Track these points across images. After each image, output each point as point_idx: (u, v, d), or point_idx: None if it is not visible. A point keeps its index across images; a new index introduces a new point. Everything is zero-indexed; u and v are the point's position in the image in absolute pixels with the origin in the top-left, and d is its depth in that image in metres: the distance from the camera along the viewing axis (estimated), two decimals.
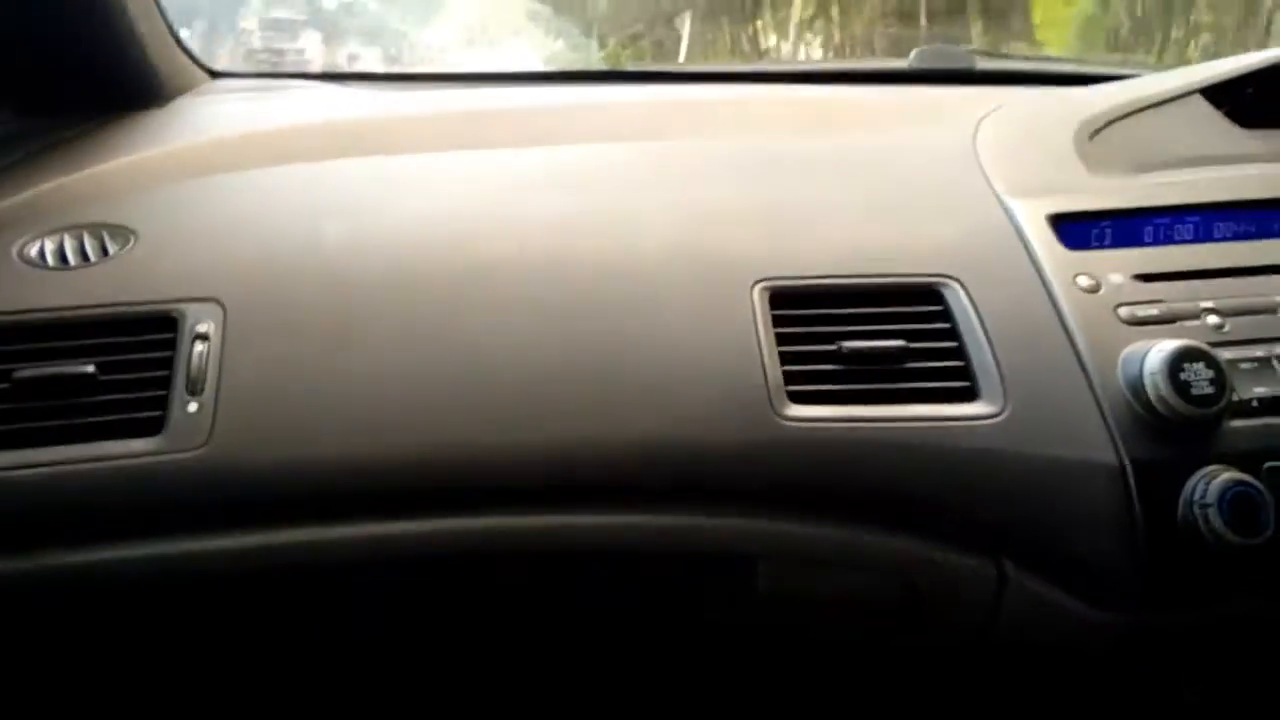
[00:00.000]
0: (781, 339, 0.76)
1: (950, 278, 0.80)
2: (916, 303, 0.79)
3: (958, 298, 0.79)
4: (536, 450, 0.72)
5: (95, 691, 0.79)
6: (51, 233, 0.80)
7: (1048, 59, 1.56)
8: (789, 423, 0.73)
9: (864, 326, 0.77)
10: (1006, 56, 1.44)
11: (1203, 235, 0.84)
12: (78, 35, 0.95)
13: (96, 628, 0.74)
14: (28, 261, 0.78)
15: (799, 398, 0.74)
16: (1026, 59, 1.63)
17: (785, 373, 0.75)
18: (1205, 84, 0.98)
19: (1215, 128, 0.96)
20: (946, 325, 0.78)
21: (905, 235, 0.83)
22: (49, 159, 0.89)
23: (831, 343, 0.76)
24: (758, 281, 0.78)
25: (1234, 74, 0.98)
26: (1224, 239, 0.85)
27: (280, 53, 1.70)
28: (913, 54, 1.25)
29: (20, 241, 0.79)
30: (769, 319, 0.77)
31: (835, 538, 0.74)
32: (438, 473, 0.71)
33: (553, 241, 0.81)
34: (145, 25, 0.99)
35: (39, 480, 0.68)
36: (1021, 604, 0.76)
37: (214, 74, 1.14)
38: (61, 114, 0.98)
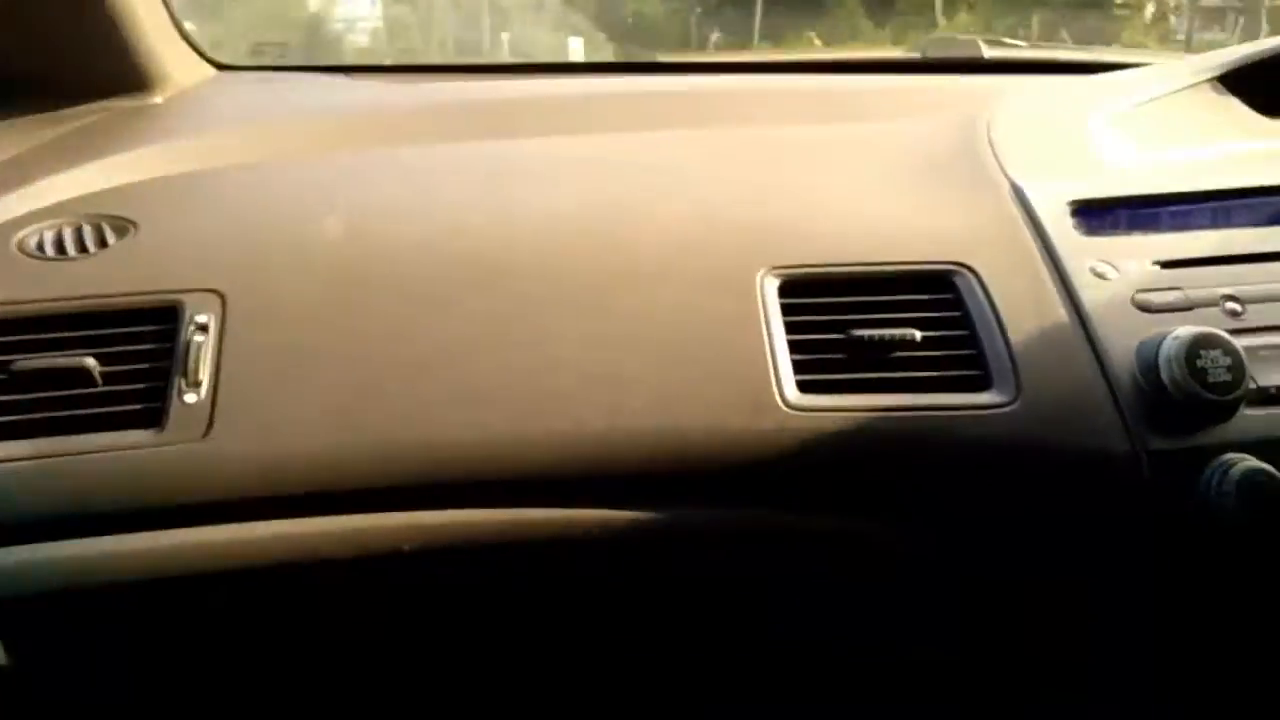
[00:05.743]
0: (791, 327, 0.75)
1: (963, 265, 0.78)
2: (928, 290, 0.77)
3: (970, 285, 0.77)
4: (538, 443, 0.71)
5: (86, 685, 0.78)
6: (51, 223, 0.80)
7: (1057, 47, 1.55)
8: (797, 412, 0.71)
9: (874, 315, 0.75)
10: (1015, 45, 1.42)
11: (1221, 221, 0.83)
12: (79, 25, 0.95)
13: (91, 619, 0.73)
14: (27, 252, 0.77)
15: (808, 387, 0.73)
16: (1036, 47, 1.62)
17: (794, 361, 0.73)
18: (1224, 70, 0.96)
19: (1235, 114, 0.94)
20: (958, 313, 0.76)
21: (917, 223, 0.82)
22: (49, 149, 0.89)
23: (841, 331, 0.75)
24: (767, 270, 0.77)
25: (1253, 60, 0.96)
26: (1243, 225, 0.83)
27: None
28: (922, 43, 1.24)
29: (20, 232, 0.79)
30: (778, 307, 0.75)
31: (840, 528, 0.73)
32: (436, 465, 0.70)
33: (556, 233, 0.80)
34: (148, 16, 0.99)
35: (38, 471, 0.67)
36: (1028, 597, 0.74)
37: (219, 66, 1.13)
38: (63, 104, 0.97)
